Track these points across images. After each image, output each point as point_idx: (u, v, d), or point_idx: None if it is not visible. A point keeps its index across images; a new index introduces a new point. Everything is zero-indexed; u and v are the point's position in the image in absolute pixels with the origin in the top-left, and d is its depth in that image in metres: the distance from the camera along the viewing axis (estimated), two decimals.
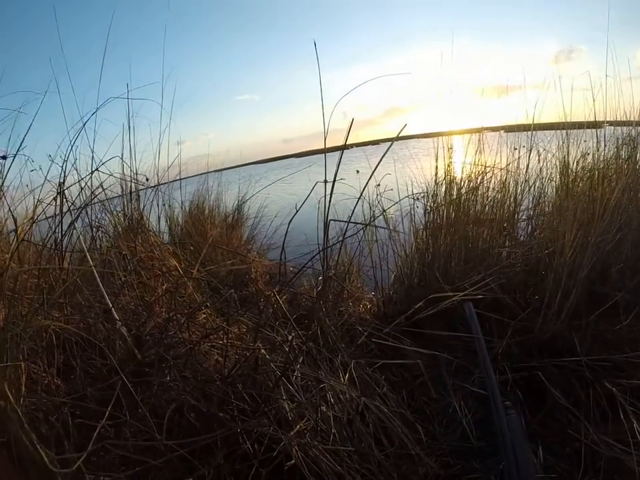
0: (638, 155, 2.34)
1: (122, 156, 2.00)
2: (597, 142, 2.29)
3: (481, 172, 2.18)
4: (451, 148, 2.32)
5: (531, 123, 2.32)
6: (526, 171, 2.28)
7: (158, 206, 2.47)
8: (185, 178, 3.08)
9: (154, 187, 2.29)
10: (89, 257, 1.37)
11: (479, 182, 2.16)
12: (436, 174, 2.23)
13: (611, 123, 2.58)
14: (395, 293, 2.17)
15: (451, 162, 2.22)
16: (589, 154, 2.26)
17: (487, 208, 2.20)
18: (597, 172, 2.10)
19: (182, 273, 1.62)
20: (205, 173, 3.81)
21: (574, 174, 2.17)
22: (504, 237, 2.20)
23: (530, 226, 2.28)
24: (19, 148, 1.40)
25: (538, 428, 1.36)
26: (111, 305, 1.29)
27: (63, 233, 1.45)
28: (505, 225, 2.22)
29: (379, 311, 2.10)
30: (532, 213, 2.29)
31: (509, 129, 2.71)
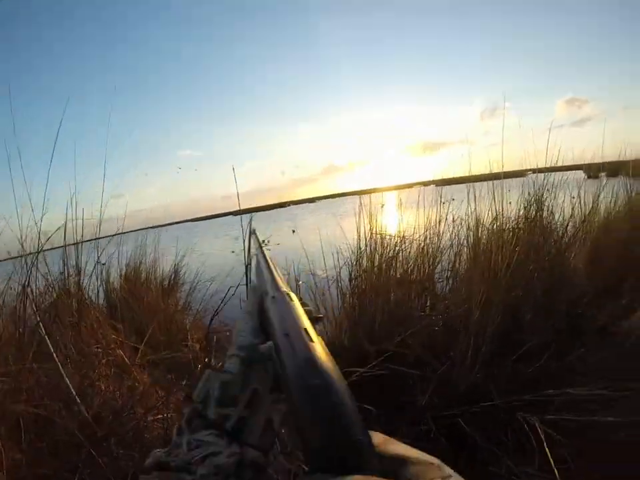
0: (544, 213, 2.70)
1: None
2: (502, 202, 2.61)
3: (401, 240, 2.40)
4: (383, 206, 2.52)
5: (458, 176, 2.61)
6: (439, 239, 2.54)
7: (94, 266, 2.45)
8: (124, 232, 3.08)
9: (89, 241, 2.29)
10: (49, 342, 1.42)
11: (397, 250, 2.37)
12: (359, 242, 2.42)
13: (533, 171, 2.99)
14: None
15: (372, 231, 2.41)
16: (498, 217, 2.57)
17: (408, 271, 2.41)
18: (503, 233, 2.40)
19: (128, 361, 1.68)
20: (144, 229, 3.81)
21: (485, 236, 2.45)
22: (425, 297, 2.41)
23: (448, 285, 2.53)
24: None
25: (463, 469, 1.50)
26: (75, 393, 1.33)
27: None
28: (427, 284, 2.43)
29: None
30: (449, 273, 2.53)
31: (439, 182, 3.03)
